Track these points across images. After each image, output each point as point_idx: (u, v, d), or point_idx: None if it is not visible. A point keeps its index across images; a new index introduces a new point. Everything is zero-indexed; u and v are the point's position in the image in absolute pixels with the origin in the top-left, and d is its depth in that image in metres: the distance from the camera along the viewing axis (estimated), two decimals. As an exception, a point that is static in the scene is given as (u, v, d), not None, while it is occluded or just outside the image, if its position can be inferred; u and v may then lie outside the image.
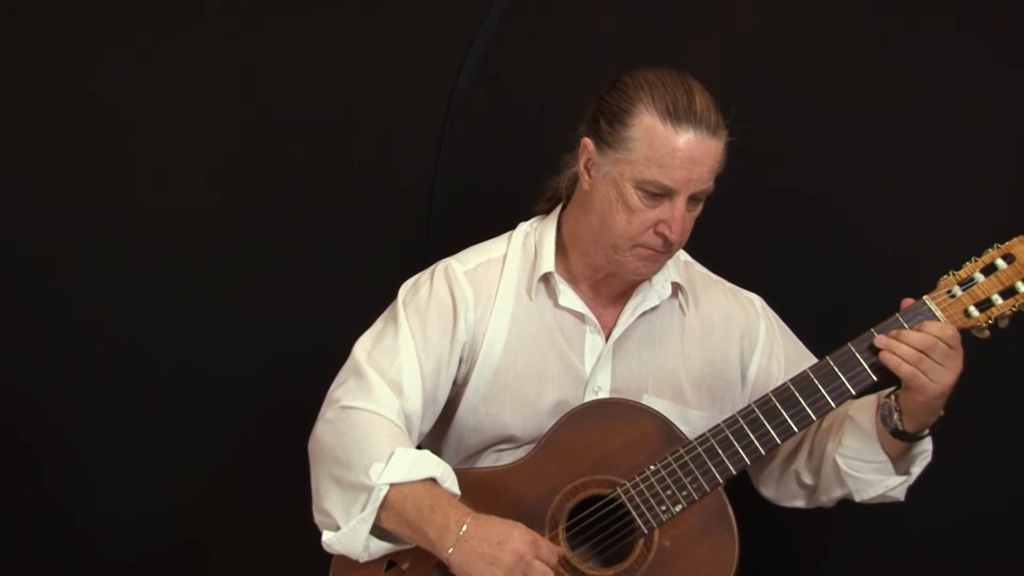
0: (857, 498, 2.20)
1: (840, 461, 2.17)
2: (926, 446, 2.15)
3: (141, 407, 2.87)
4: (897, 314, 2.07)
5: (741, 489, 2.26)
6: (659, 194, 2.08)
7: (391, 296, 2.26)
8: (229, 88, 2.84)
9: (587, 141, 2.14)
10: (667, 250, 2.13)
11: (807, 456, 2.25)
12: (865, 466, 2.16)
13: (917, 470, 2.17)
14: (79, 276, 2.83)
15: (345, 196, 2.87)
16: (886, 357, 2.04)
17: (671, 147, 2.05)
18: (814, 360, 2.25)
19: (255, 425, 2.89)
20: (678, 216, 2.09)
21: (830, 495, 2.24)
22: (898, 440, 2.11)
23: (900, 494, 2.19)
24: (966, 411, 2.20)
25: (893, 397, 2.10)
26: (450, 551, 1.98)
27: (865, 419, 2.15)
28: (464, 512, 2.01)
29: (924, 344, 2.02)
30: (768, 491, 2.33)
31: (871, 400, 2.16)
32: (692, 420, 2.21)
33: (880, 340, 2.05)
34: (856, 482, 2.18)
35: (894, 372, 2.04)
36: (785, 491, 2.30)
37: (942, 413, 2.09)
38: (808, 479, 2.26)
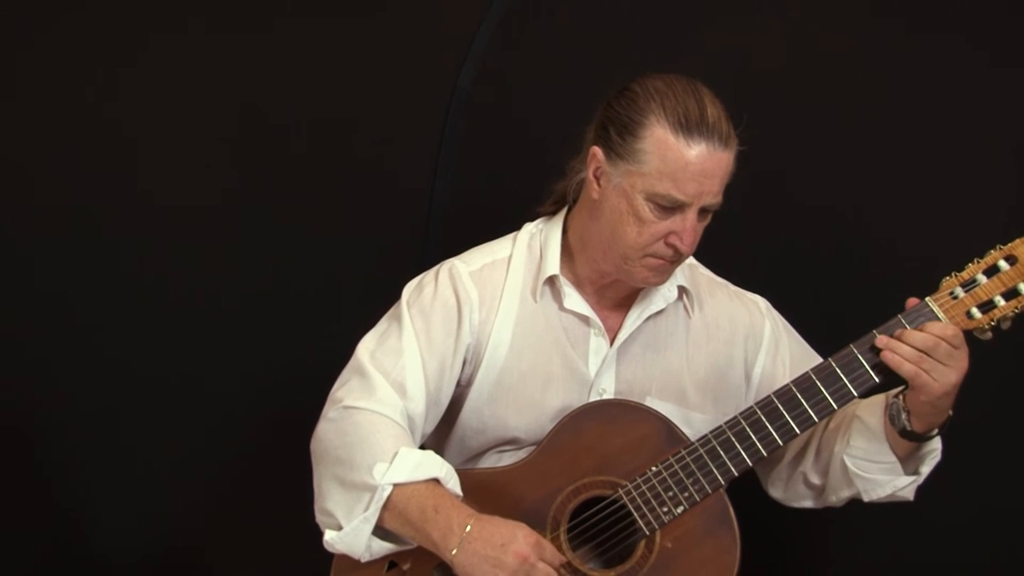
0: (866, 498, 2.19)
1: (848, 462, 2.16)
2: (935, 445, 2.14)
3: (142, 407, 2.87)
4: (899, 316, 2.06)
5: (742, 490, 2.26)
6: (670, 207, 2.07)
7: (392, 296, 2.25)
8: (229, 88, 2.84)
9: (596, 150, 2.11)
10: (677, 260, 2.12)
11: (815, 457, 2.25)
12: (873, 466, 2.15)
13: (926, 469, 2.16)
14: (80, 276, 2.83)
15: (345, 196, 2.87)
16: (888, 356, 2.03)
17: (684, 160, 2.03)
18: (820, 361, 2.25)
19: (257, 425, 2.89)
20: (689, 227, 2.07)
21: (839, 495, 2.23)
22: (906, 440, 2.11)
23: (909, 494, 2.18)
24: (966, 411, 2.19)
25: (901, 397, 2.09)
26: (453, 552, 1.98)
27: (873, 419, 2.14)
28: (468, 513, 2.00)
29: (926, 344, 2.01)
30: (777, 492, 2.32)
31: (879, 400, 2.15)
32: (695, 423, 2.20)
33: (881, 340, 2.05)
34: (865, 482, 2.17)
35: (896, 371, 2.04)
36: (793, 492, 2.30)
37: (951, 413, 2.08)
38: (816, 480, 2.25)
